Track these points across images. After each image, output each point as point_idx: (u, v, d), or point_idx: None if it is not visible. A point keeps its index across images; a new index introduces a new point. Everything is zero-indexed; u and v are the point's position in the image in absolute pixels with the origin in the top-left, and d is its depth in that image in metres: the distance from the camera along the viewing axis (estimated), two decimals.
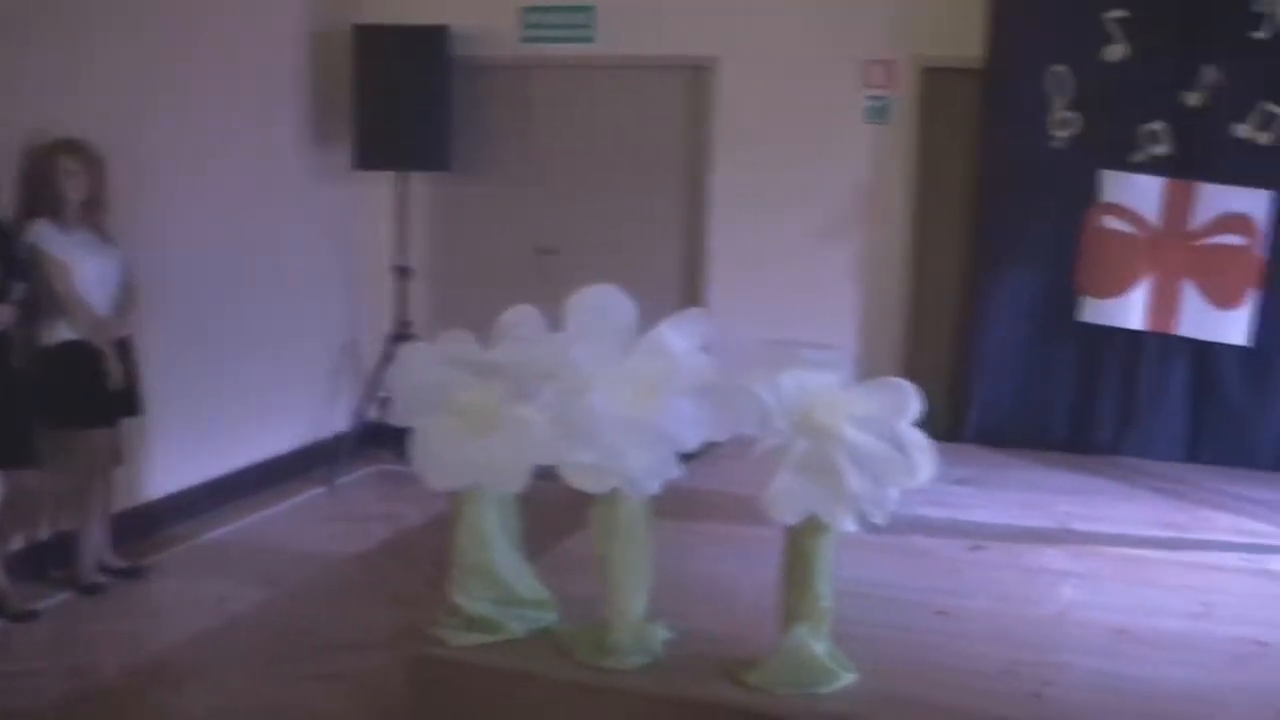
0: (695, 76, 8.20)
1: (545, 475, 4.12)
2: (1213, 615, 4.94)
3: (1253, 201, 7.03)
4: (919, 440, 3.93)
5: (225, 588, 6.35)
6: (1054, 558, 5.54)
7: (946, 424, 7.42)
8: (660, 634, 4.29)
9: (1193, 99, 7.11)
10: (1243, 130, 7.03)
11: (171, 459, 7.14)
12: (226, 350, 7.54)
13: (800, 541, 3.98)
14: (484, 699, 4.26)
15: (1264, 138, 7.01)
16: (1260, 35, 6.96)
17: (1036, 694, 4.12)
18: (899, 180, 7.83)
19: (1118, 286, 7.23)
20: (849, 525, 3.93)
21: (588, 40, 8.33)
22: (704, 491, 6.02)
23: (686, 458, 4.10)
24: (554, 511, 4.61)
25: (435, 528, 6.25)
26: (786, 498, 3.86)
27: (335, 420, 8.54)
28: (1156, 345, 7.29)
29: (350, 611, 6.09)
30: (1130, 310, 7.23)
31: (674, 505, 4.48)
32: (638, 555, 4.18)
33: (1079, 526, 6.03)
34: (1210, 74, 7.06)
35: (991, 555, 5.56)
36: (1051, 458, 7.26)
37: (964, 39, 7.50)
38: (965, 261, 7.68)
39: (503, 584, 4.37)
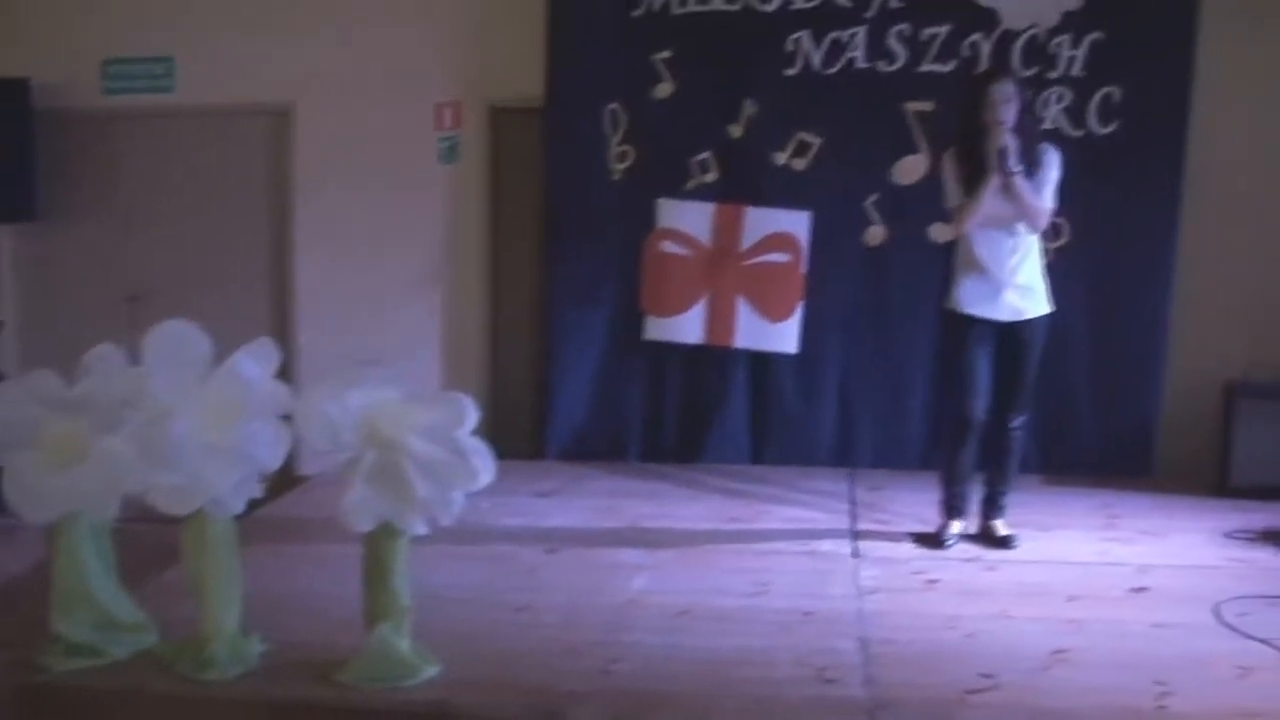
0: (274, 122, 8.40)
1: (141, 517, 4.32)
2: (768, 593, 5.50)
3: (794, 222, 7.73)
4: (478, 447, 4.29)
5: None
6: (626, 554, 6.00)
7: (530, 444, 7.88)
8: (256, 646, 4.52)
9: (736, 131, 7.75)
10: (781, 158, 7.72)
11: None
12: None
13: (377, 546, 4.30)
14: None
15: (800, 163, 7.72)
16: (792, 72, 7.69)
17: (605, 670, 4.54)
18: (474, 215, 8.24)
19: (678, 305, 7.80)
20: (420, 528, 4.27)
21: (168, 90, 8.45)
22: (293, 517, 6.36)
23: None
24: (153, 552, 4.80)
25: (36, 573, 6.26)
26: (360, 507, 4.17)
27: None
28: (717, 358, 7.88)
29: None
30: (690, 327, 7.81)
31: (266, 530, 4.73)
32: (228, 571, 4.43)
33: (650, 525, 6.53)
34: (750, 107, 7.72)
35: (568, 556, 5.99)
36: (627, 468, 7.77)
37: (527, 80, 7.93)
38: (539, 290, 8.10)
39: (101, 609, 4.52)
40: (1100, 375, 7.73)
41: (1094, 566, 6.00)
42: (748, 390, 7.95)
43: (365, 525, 4.22)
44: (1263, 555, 6.18)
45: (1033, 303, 6.15)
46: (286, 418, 4.33)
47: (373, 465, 4.13)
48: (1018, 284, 6.09)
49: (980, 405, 6.18)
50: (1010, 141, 5.87)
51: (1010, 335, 6.13)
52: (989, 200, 5.93)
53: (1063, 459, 7.75)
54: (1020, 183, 5.89)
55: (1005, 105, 5.87)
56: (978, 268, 6.08)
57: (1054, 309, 6.24)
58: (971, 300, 6.11)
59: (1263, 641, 4.94)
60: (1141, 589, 5.65)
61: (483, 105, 8.17)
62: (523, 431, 8.02)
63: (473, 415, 4.27)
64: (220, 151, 8.58)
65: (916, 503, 6.62)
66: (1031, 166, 5.94)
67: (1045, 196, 6.01)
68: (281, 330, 8.35)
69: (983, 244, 6.06)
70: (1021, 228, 6.03)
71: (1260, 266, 7.74)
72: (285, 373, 4.51)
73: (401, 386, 4.27)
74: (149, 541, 4.52)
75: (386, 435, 4.13)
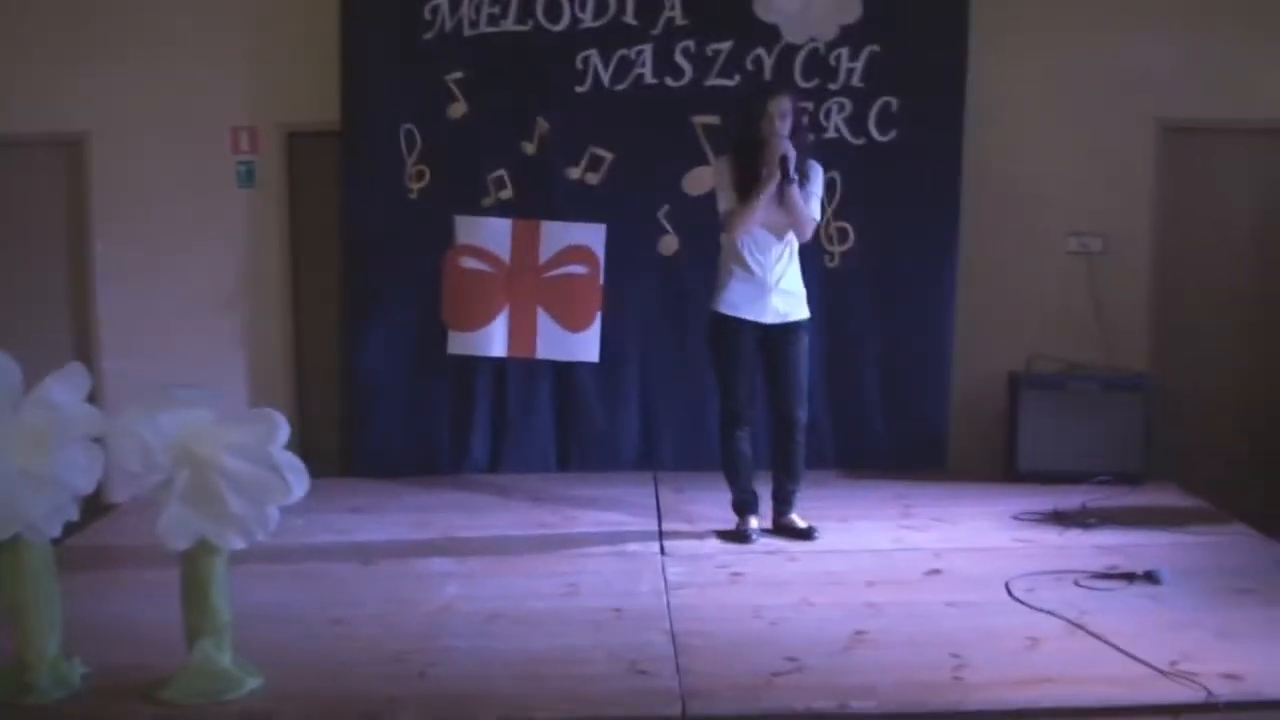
0: (69, 150, 8.29)
1: None
2: (578, 593, 5.68)
3: (590, 235, 7.92)
4: (291, 462, 4.38)
5: None
6: (438, 564, 6.12)
7: (340, 462, 7.95)
8: (78, 669, 4.54)
9: (529, 148, 7.91)
10: (575, 173, 7.91)
11: None
12: None
13: (195, 564, 4.37)
14: None
15: (594, 178, 7.92)
16: (583, 89, 7.88)
17: (421, 674, 4.67)
18: (274, 237, 8.26)
19: (479, 319, 7.92)
20: (236, 544, 4.35)
21: None
22: (106, 545, 6.38)
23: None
24: None
25: None
26: (176, 525, 4.23)
27: None
28: (521, 370, 8.03)
29: None
30: (493, 340, 7.93)
31: (79, 558, 4.75)
32: (47, 596, 4.46)
33: (460, 535, 6.65)
34: (543, 125, 7.89)
35: (381, 568, 6.09)
36: (437, 481, 7.85)
37: (322, 103, 7.96)
38: (342, 310, 8.14)
39: None
40: (891, 374, 8.07)
41: (891, 553, 6.31)
42: (552, 400, 8.11)
43: (182, 543, 4.28)
44: (1048, 535, 6.56)
45: (795, 307, 6.47)
46: (98, 441, 4.38)
47: (187, 484, 4.20)
48: (782, 289, 6.40)
49: (747, 402, 6.50)
50: (790, 151, 6.17)
51: (775, 337, 6.44)
52: (764, 207, 6.22)
53: (860, 455, 8.09)
54: (795, 191, 6.19)
55: (783, 118, 6.19)
56: (744, 270, 6.37)
57: (811, 315, 6.57)
58: (735, 302, 6.40)
59: (1049, 613, 5.28)
60: (935, 571, 5.98)
61: (279, 129, 8.19)
62: (331, 450, 8.05)
63: (284, 431, 4.36)
64: (14, 181, 8.40)
65: (720, 502, 6.80)
66: (802, 179, 6.25)
67: (814, 208, 6.35)
68: (86, 358, 8.22)
69: (751, 249, 6.35)
70: (790, 235, 6.34)
71: (1039, 263, 8.20)
72: (92, 399, 4.56)
73: (212, 406, 4.35)
74: None
75: (199, 454, 4.20)
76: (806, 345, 6.54)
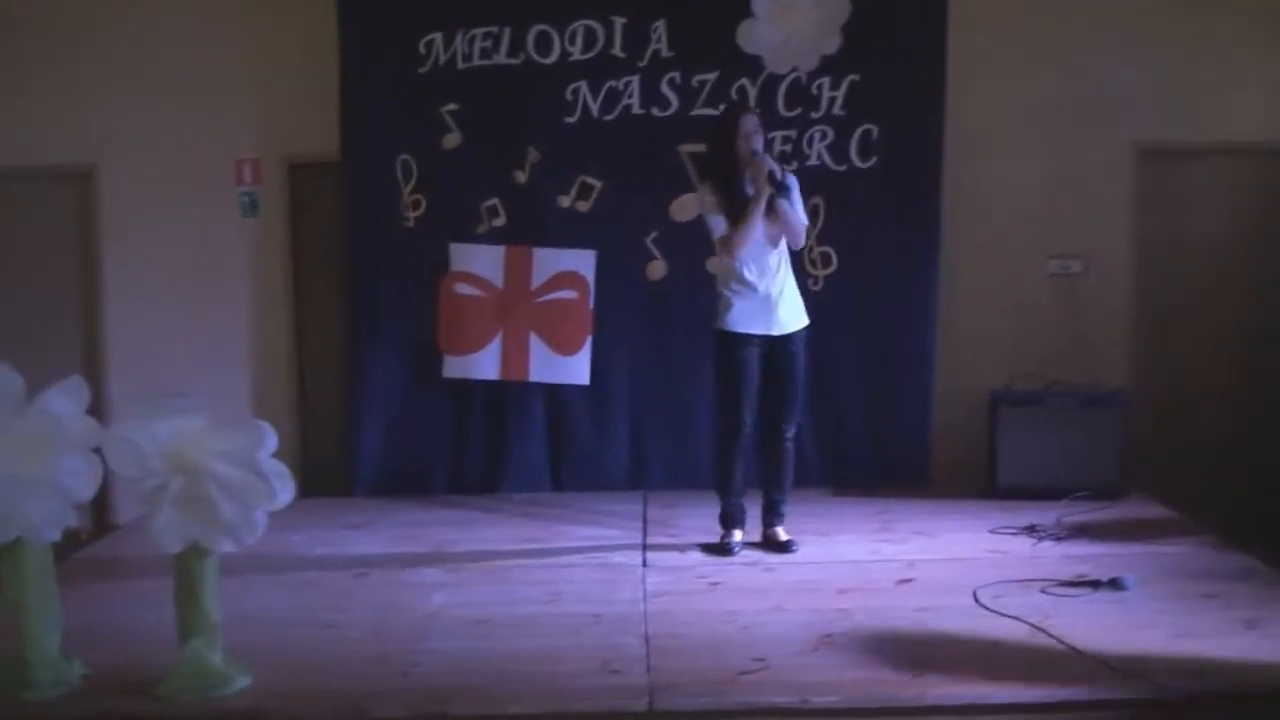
0: (77, 182, 8.54)
1: None
2: (560, 600, 5.92)
3: (581, 261, 8.16)
4: (278, 469, 4.62)
5: None
6: (430, 574, 6.36)
7: (340, 481, 8.18)
8: (77, 669, 4.79)
9: (521, 176, 8.15)
10: (565, 200, 8.16)
11: None
12: None
13: (187, 566, 4.61)
14: None
15: (584, 205, 8.15)
16: (572, 120, 8.13)
17: (405, 673, 4.90)
18: (278, 267, 8.51)
19: (474, 343, 8.16)
20: (226, 546, 4.59)
21: None
22: (109, 558, 6.68)
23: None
24: None
25: None
26: (169, 529, 4.48)
27: None
28: (514, 392, 8.24)
29: None
30: (487, 364, 8.17)
31: (83, 570, 4.97)
32: (46, 597, 4.73)
33: (452, 549, 6.88)
34: (534, 154, 8.13)
35: (374, 578, 6.32)
36: (433, 500, 8.08)
37: (322, 135, 8.22)
38: (343, 335, 8.39)
39: None
40: (874, 393, 8.28)
41: (866, 564, 6.50)
42: (544, 422, 8.32)
43: (174, 546, 4.52)
44: (1021, 546, 6.75)
45: (798, 316, 6.67)
46: (98, 451, 4.63)
47: (179, 490, 4.43)
48: (784, 299, 6.60)
49: (751, 417, 6.66)
50: (774, 165, 6.41)
51: (779, 348, 6.62)
52: (757, 222, 6.44)
53: (844, 472, 8.29)
54: (783, 202, 6.42)
55: (756, 135, 6.45)
56: (747, 288, 6.56)
57: (810, 322, 6.77)
58: (743, 319, 6.58)
59: (1013, 618, 5.47)
60: (907, 580, 6.17)
61: (281, 160, 8.45)
62: (333, 472, 8.28)
63: (271, 439, 4.59)
64: (24, 212, 8.66)
65: (706, 517, 7.00)
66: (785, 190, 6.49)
67: (801, 213, 6.56)
68: (94, 381, 8.42)
69: (750, 265, 6.54)
70: (784, 244, 6.56)
71: (1020, 285, 8.42)
72: (99, 420, 4.82)
73: (204, 415, 4.59)
74: None
75: (191, 461, 4.44)
76: (804, 355, 6.76)
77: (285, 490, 4.58)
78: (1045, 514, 7.24)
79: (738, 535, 6.78)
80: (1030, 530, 7.00)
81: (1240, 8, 8.35)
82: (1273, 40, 8.38)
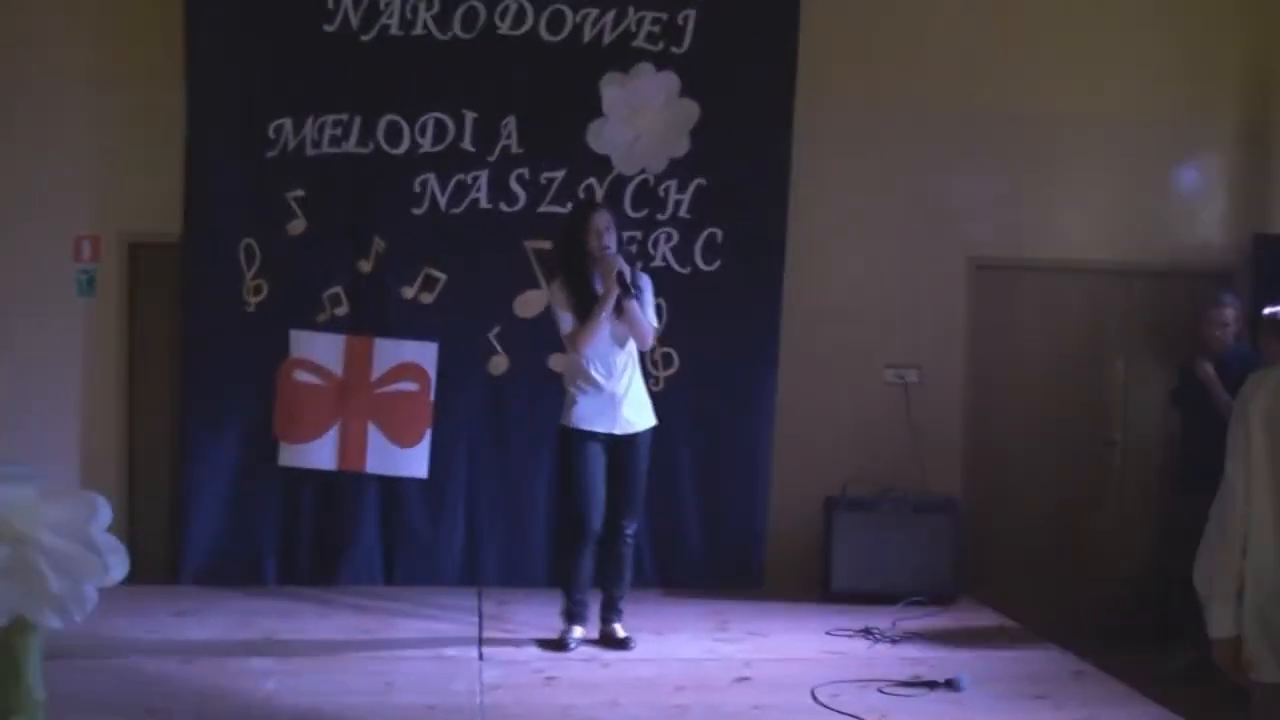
0: None
1: None
2: (394, 691, 5.84)
3: (422, 352, 8.11)
4: (112, 543, 4.46)
5: None
6: (259, 663, 6.22)
7: (167, 568, 7.95)
8: None
9: (366, 265, 8.11)
10: (409, 292, 8.12)
11: None
12: None
13: (10, 642, 4.40)
14: None
15: (427, 297, 8.13)
16: (419, 211, 8.13)
17: None
18: (112, 346, 8.26)
19: (311, 432, 8.03)
20: (55, 622, 4.39)
21: None
22: None
23: None
24: None
25: None
26: None
27: None
28: (350, 483, 8.11)
29: None
30: (323, 453, 8.04)
31: None
32: None
33: (282, 637, 6.74)
34: (380, 244, 8.10)
35: (200, 665, 6.16)
36: (264, 590, 7.88)
37: (165, 214, 8.07)
38: (176, 420, 8.19)
39: None
40: (710, 495, 8.34)
41: (702, 662, 6.54)
42: (379, 513, 8.18)
43: None
44: (858, 647, 6.84)
45: (644, 416, 6.70)
46: None
47: (5, 560, 4.26)
48: (630, 399, 6.63)
49: (599, 515, 6.65)
50: (623, 265, 6.45)
51: (623, 447, 6.65)
52: (605, 321, 6.47)
53: (679, 573, 8.29)
54: (632, 304, 6.46)
55: (608, 232, 6.49)
56: (593, 386, 6.58)
57: (658, 422, 6.79)
58: (588, 417, 6.60)
59: (852, 716, 5.54)
60: (744, 678, 6.21)
61: (120, 238, 8.26)
62: (160, 557, 8.04)
63: (105, 511, 4.42)
64: None
65: (542, 614, 7.00)
66: (635, 290, 6.52)
67: (651, 315, 6.62)
68: None
69: (596, 363, 6.57)
70: (632, 345, 6.60)
71: (856, 393, 8.56)
72: None
73: (36, 483, 4.43)
74: None
75: (18, 530, 4.27)
76: (648, 454, 6.78)
77: (118, 566, 4.41)
78: (879, 617, 7.32)
79: (578, 632, 6.74)
80: (866, 632, 7.07)
81: (1079, 130, 8.68)
82: (1103, 165, 8.75)
